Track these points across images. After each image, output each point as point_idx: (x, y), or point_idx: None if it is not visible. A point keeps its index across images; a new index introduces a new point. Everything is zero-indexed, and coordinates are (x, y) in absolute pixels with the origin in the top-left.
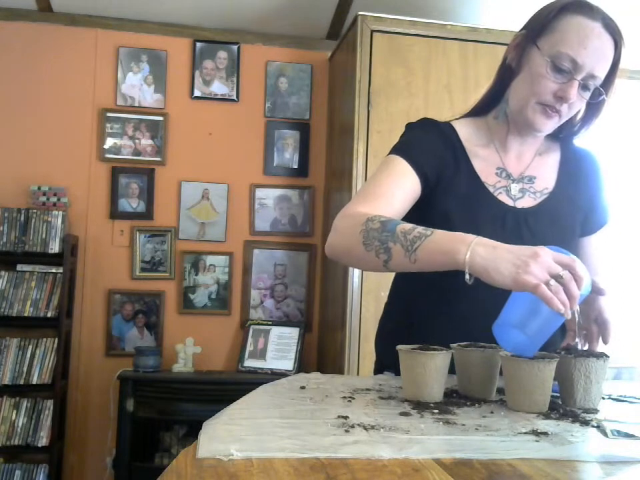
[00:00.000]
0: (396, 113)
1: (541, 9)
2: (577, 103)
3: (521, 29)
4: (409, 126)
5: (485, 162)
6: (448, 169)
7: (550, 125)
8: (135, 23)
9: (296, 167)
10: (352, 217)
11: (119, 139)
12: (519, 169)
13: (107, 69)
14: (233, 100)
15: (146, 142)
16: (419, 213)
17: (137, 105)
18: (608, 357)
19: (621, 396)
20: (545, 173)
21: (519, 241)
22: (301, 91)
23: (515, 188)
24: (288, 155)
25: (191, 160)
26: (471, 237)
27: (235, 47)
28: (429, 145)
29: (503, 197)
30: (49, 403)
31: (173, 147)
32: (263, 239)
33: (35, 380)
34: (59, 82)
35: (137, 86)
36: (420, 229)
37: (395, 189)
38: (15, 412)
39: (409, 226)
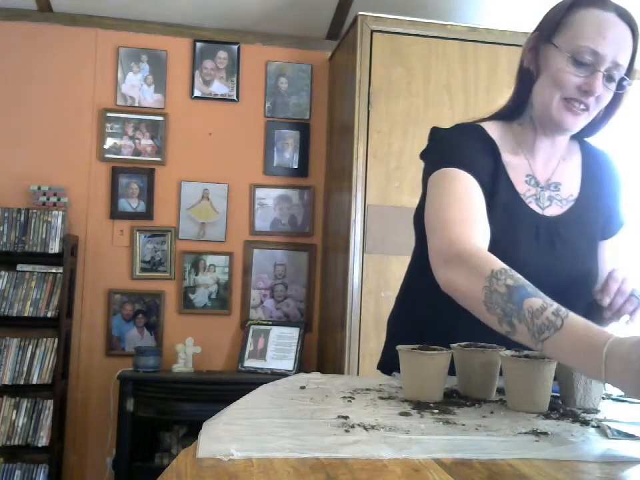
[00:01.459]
0: (396, 113)
1: (552, 7)
2: (605, 95)
3: (534, 31)
4: (443, 133)
5: (515, 169)
6: (487, 177)
7: (579, 122)
8: (135, 23)
9: (296, 166)
10: (469, 258)
11: (119, 139)
12: (545, 175)
13: (107, 69)
14: (233, 100)
15: (146, 142)
16: None
17: (137, 105)
18: None
19: (620, 396)
20: (570, 178)
21: (551, 251)
22: (301, 91)
23: (543, 196)
24: (288, 155)
25: (191, 160)
26: (602, 343)
27: (235, 47)
28: (474, 153)
29: (533, 206)
30: (49, 403)
31: (173, 147)
32: (263, 239)
33: (35, 380)
34: (59, 82)
35: (136, 86)
36: (549, 312)
37: (478, 208)
38: (15, 412)
39: (537, 304)
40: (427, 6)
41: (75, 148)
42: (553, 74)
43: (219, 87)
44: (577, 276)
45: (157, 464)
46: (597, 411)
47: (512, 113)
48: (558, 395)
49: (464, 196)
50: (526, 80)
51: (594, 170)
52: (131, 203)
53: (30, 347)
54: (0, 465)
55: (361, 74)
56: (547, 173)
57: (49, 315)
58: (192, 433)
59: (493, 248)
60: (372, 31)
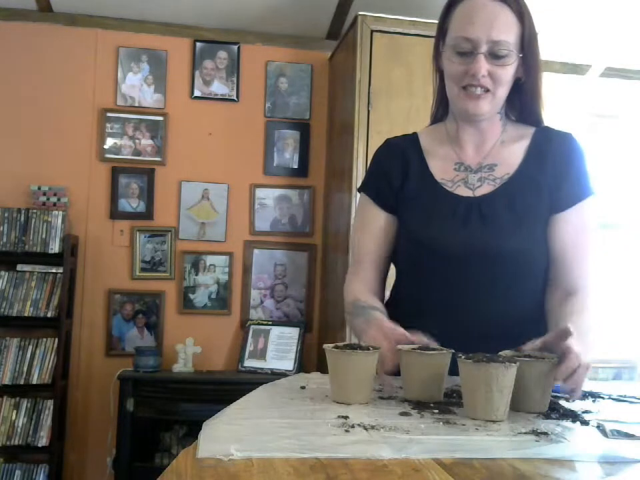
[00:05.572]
0: (396, 113)
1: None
2: (499, 73)
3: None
4: (374, 154)
5: (443, 160)
6: (397, 182)
7: (483, 106)
8: (135, 22)
9: (296, 167)
10: (345, 298)
11: (119, 139)
12: (477, 160)
13: (107, 69)
14: (233, 100)
15: (146, 142)
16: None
17: (137, 104)
18: (514, 363)
19: (620, 396)
20: (509, 159)
21: (466, 226)
22: (301, 91)
23: (472, 178)
24: (288, 155)
25: (191, 160)
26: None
27: (235, 47)
28: (382, 172)
29: (461, 190)
30: (49, 403)
31: (173, 147)
32: (262, 239)
33: (35, 380)
34: (59, 82)
35: (137, 86)
36: (361, 326)
37: (370, 240)
38: (15, 412)
39: (358, 321)
40: (427, 6)
41: (75, 148)
42: (447, 71)
43: (218, 87)
44: (506, 250)
45: (157, 464)
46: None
47: (441, 113)
48: (558, 394)
49: (361, 229)
50: (440, 81)
51: (542, 149)
52: (131, 203)
53: (30, 347)
54: (0, 465)
55: (361, 74)
56: (478, 157)
57: (49, 315)
58: (192, 433)
59: (416, 230)
60: (372, 31)
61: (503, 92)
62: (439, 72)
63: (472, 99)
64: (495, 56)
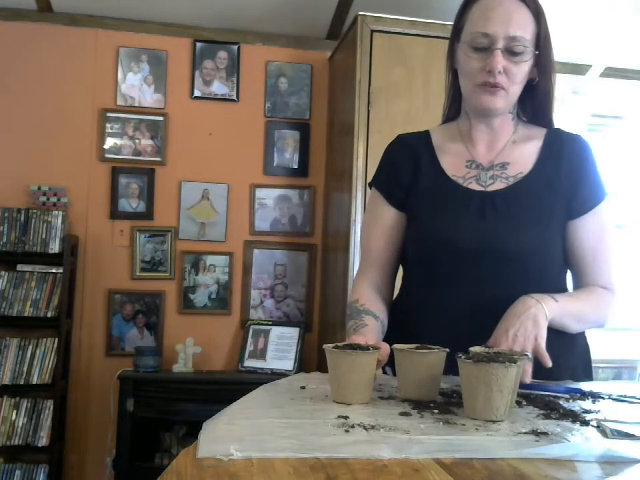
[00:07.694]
0: (396, 113)
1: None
2: (515, 70)
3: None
4: (385, 149)
5: (454, 157)
6: (408, 178)
7: (498, 101)
8: (135, 22)
9: (296, 167)
10: (349, 297)
11: (119, 139)
12: (488, 158)
13: (107, 69)
14: (233, 100)
15: (146, 142)
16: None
17: (137, 104)
18: (514, 361)
19: (620, 396)
20: (521, 158)
21: (481, 220)
22: (301, 91)
23: (485, 175)
24: (288, 155)
25: (191, 160)
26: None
27: (235, 47)
28: (392, 167)
29: (473, 185)
30: (49, 403)
31: (173, 147)
32: (262, 239)
33: (35, 380)
34: (59, 82)
35: (137, 86)
36: (351, 330)
37: (379, 237)
38: (15, 412)
39: (349, 324)
40: (427, 6)
41: (75, 148)
42: (462, 67)
43: (218, 87)
44: (522, 247)
45: (157, 464)
46: (596, 411)
47: (453, 112)
48: (559, 394)
49: (370, 225)
50: (453, 80)
51: (555, 151)
52: (131, 203)
53: (30, 347)
54: (0, 465)
55: (361, 74)
56: (490, 156)
57: (48, 315)
58: (192, 432)
59: (429, 224)
60: (372, 31)
61: (516, 90)
62: (452, 71)
63: (488, 95)
64: (511, 52)
